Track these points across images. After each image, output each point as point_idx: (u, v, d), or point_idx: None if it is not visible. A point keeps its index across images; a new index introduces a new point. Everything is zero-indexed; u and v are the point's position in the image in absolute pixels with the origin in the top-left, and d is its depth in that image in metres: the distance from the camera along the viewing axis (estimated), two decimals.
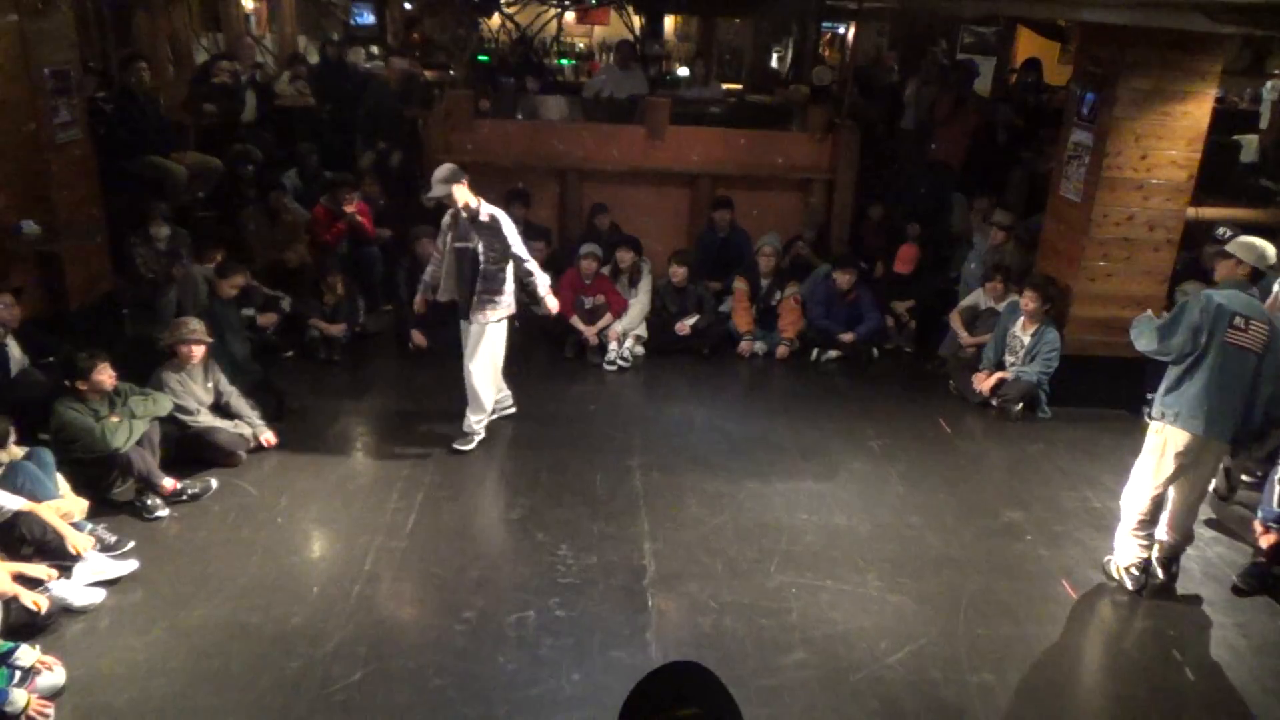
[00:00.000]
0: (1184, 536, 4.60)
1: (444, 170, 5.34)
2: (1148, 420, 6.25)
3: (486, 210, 5.41)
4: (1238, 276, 4.34)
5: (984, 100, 9.64)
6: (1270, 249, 4.35)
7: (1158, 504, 4.48)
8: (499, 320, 5.52)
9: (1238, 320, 4.18)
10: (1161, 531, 4.59)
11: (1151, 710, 3.88)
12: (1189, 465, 4.33)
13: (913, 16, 11.41)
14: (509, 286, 5.51)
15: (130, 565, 4.33)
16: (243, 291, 6.24)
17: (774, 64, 14.10)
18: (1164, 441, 4.36)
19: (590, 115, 9.08)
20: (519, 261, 5.51)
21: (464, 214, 5.38)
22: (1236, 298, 4.24)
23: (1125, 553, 4.58)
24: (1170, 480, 4.39)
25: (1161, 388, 4.42)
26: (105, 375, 4.78)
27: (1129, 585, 4.55)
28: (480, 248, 5.38)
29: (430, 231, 7.17)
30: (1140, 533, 4.52)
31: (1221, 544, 5.03)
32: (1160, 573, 4.61)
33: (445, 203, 5.38)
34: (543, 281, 5.69)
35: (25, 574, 3.91)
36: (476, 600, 4.29)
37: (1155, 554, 4.61)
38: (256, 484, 5.17)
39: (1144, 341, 4.46)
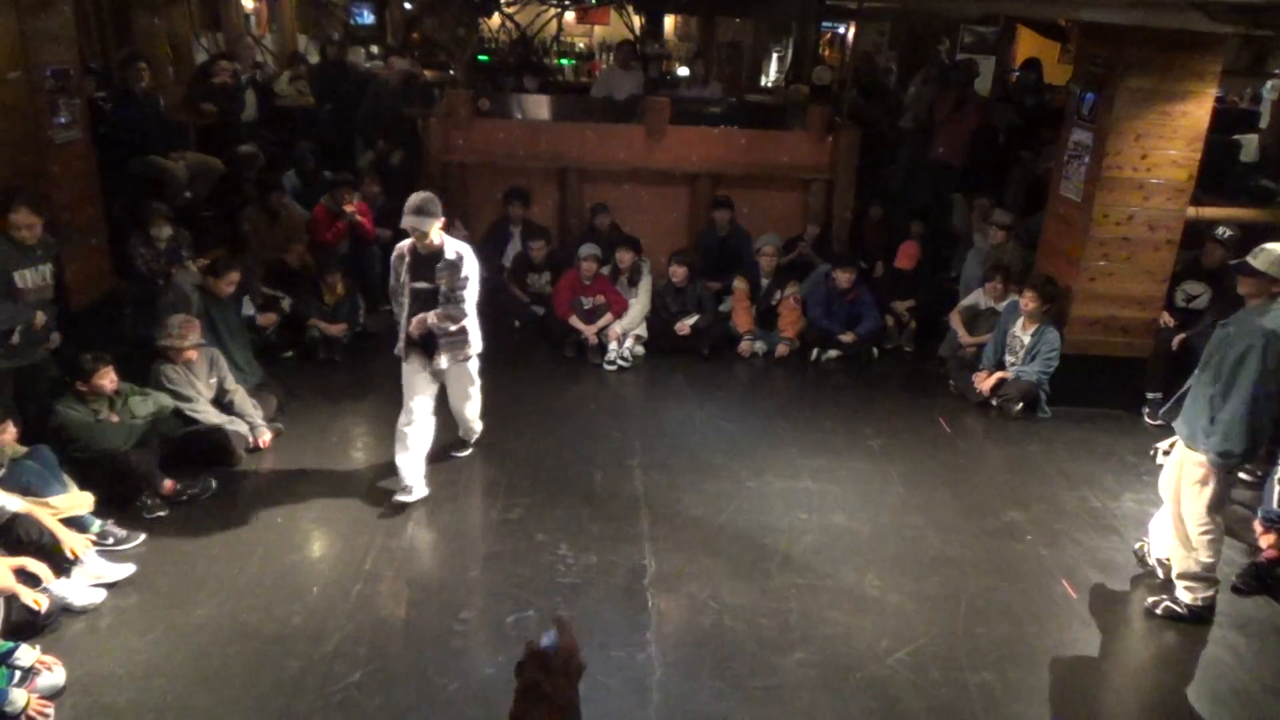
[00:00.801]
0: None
1: (421, 200, 4.74)
2: (1148, 422, 6.35)
3: (453, 246, 4.87)
4: (1273, 292, 3.99)
5: (984, 100, 9.64)
6: None
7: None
8: (476, 355, 5.17)
9: None
10: (1164, 544, 4.52)
11: (1151, 710, 3.88)
12: None
13: (913, 16, 11.41)
14: (475, 321, 5.05)
15: (127, 569, 4.32)
16: (241, 288, 6.23)
17: (774, 66, 14.11)
18: (1214, 473, 4.17)
19: (587, 114, 9.08)
20: (462, 300, 4.90)
21: (423, 251, 4.81)
22: None
23: (1196, 591, 4.33)
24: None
25: (1205, 420, 4.11)
26: (107, 379, 4.79)
27: (1211, 611, 4.37)
28: (442, 288, 4.84)
29: None
30: (1215, 570, 4.32)
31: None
32: (1161, 572, 4.61)
33: (417, 240, 4.78)
34: (474, 328, 5.03)
35: (26, 568, 3.91)
36: (476, 600, 4.29)
37: (1157, 560, 4.60)
38: (256, 484, 5.17)
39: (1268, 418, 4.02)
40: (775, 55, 14.45)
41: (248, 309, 6.70)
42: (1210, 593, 4.34)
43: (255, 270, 6.93)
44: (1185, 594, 4.35)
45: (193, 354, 5.30)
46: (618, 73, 9.93)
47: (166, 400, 5.09)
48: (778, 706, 3.76)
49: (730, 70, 13.07)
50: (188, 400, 5.22)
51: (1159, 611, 4.40)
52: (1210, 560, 4.28)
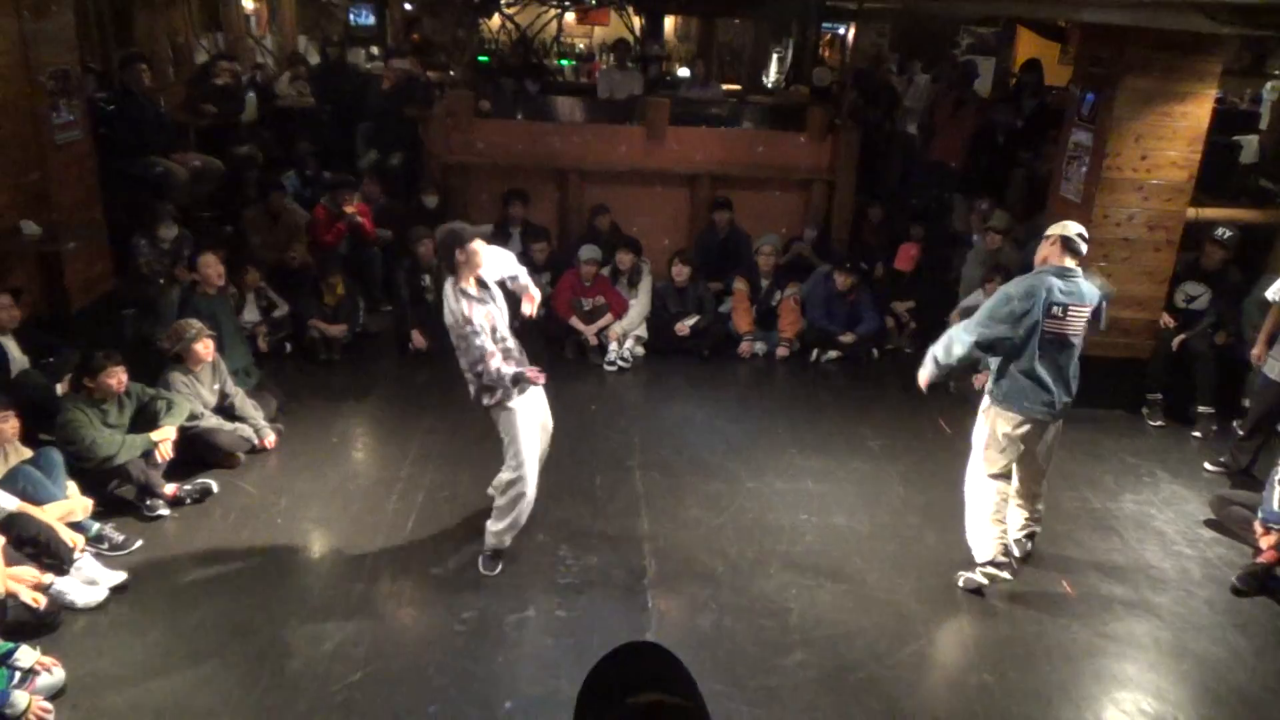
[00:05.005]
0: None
1: None
2: (1149, 423, 6.37)
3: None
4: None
5: (984, 101, 9.64)
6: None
7: (1003, 489, 4.52)
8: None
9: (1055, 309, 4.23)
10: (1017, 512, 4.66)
11: (1151, 710, 3.87)
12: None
13: (914, 17, 11.40)
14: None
15: (119, 576, 4.27)
16: (231, 283, 6.24)
17: (774, 67, 14.10)
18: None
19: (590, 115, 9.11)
20: None
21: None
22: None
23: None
24: (1011, 461, 4.45)
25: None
26: (115, 379, 4.77)
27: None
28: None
29: (430, 232, 7.19)
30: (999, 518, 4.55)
31: (1222, 544, 5.03)
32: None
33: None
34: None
35: (15, 578, 3.91)
36: (476, 600, 4.29)
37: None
38: (256, 485, 5.17)
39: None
40: (775, 56, 14.44)
41: (253, 313, 6.71)
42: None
43: (261, 271, 6.92)
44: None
45: (210, 349, 5.29)
46: (614, 73, 9.94)
47: (184, 406, 5.06)
48: (778, 706, 3.76)
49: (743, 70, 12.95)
50: (192, 418, 5.18)
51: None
52: (995, 519, 4.54)
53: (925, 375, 4.51)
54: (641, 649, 1.49)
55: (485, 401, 4.37)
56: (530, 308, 4.57)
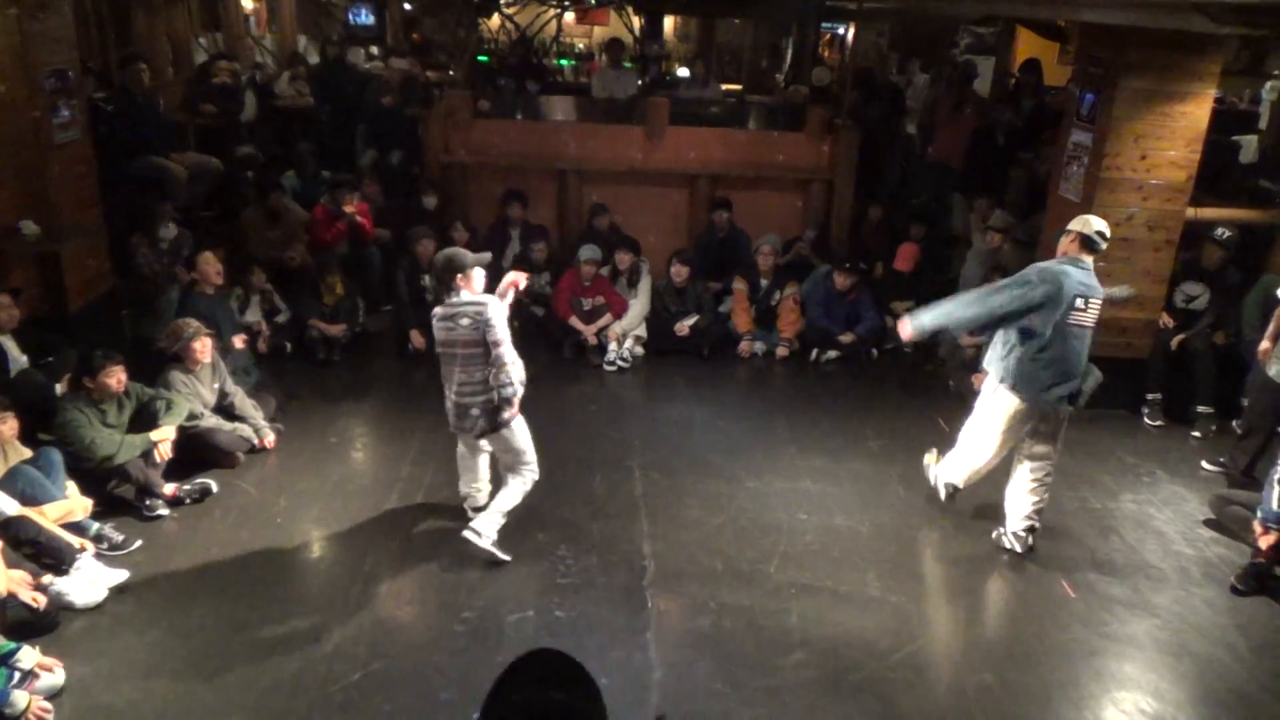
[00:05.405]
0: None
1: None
2: (1148, 423, 6.37)
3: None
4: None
5: (983, 101, 9.64)
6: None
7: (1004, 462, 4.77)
8: None
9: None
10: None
11: (1150, 711, 3.88)
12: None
13: (914, 17, 11.40)
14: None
15: (121, 574, 4.27)
16: (233, 283, 6.25)
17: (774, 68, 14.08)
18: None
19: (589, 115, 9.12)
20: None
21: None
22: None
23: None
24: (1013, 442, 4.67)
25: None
26: (114, 379, 4.77)
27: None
28: None
29: (429, 231, 7.20)
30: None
31: (1221, 544, 5.03)
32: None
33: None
34: None
35: (22, 581, 3.91)
36: (476, 600, 4.29)
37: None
38: (256, 484, 5.17)
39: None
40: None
41: (255, 314, 6.70)
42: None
43: (261, 273, 6.92)
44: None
45: (208, 348, 5.29)
46: (611, 73, 9.95)
47: (183, 406, 5.06)
48: (777, 707, 3.76)
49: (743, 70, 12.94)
50: (192, 418, 5.19)
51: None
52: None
53: (911, 332, 4.68)
54: (543, 655, 1.62)
55: (504, 418, 4.50)
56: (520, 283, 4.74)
